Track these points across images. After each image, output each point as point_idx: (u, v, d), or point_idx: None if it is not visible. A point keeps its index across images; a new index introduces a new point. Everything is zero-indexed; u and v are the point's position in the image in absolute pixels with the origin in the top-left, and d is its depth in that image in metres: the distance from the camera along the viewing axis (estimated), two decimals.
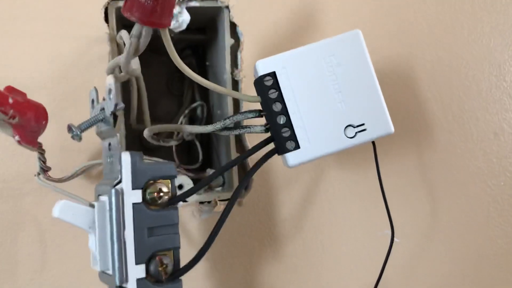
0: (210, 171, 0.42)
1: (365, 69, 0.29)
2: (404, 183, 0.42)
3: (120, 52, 0.37)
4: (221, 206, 0.38)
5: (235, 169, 0.40)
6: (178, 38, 0.40)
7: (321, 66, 0.29)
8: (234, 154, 0.40)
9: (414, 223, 0.42)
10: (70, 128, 0.26)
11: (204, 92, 0.47)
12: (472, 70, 0.43)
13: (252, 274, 0.39)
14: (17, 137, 0.26)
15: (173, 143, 0.39)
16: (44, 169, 0.32)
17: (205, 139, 0.46)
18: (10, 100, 0.25)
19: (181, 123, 0.44)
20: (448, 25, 0.43)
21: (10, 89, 0.26)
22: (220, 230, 0.29)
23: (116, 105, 0.25)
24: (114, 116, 0.26)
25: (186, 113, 0.44)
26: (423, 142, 0.42)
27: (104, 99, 0.29)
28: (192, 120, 0.47)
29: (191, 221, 0.38)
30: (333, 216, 0.40)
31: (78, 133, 0.26)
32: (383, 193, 0.33)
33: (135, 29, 0.26)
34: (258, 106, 0.30)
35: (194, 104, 0.45)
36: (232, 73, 0.39)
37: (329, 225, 0.40)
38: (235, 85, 0.40)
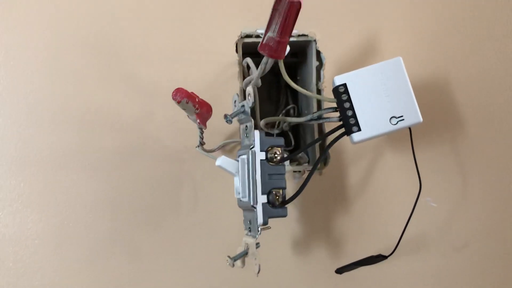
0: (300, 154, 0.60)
1: (404, 81, 0.45)
2: (441, 163, 0.57)
3: (244, 72, 0.57)
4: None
5: (318, 150, 0.58)
6: None
7: (375, 79, 0.46)
8: None
9: (448, 193, 0.57)
10: (225, 116, 0.46)
11: (295, 98, 0.66)
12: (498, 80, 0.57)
13: (327, 222, 0.57)
14: (198, 121, 0.46)
15: (276, 131, 0.58)
16: (202, 143, 0.52)
17: (295, 130, 0.65)
18: (197, 99, 0.45)
19: None
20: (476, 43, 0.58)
21: (188, 92, 0.46)
22: (307, 183, 0.46)
23: (253, 103, 0.45)
24: (251, 110, 0.45)
25: (283, 112, 0.63)
26: (457, 133, 0.57)
27: (235, 101, 0.49)
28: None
29: (289, 182, 0.57)
30: (387, 184, 0.57)
31: (231, 119, 0.46)
32: (415, 163, 0.49)
33: (264, 60, 0.45)
34: (334, 106, 0.48)
35: (289, 106, 0.64)
36: (316, 84, 0.58)
37: (385, 190, 0.57)
38: (319, 92, 0.58)
